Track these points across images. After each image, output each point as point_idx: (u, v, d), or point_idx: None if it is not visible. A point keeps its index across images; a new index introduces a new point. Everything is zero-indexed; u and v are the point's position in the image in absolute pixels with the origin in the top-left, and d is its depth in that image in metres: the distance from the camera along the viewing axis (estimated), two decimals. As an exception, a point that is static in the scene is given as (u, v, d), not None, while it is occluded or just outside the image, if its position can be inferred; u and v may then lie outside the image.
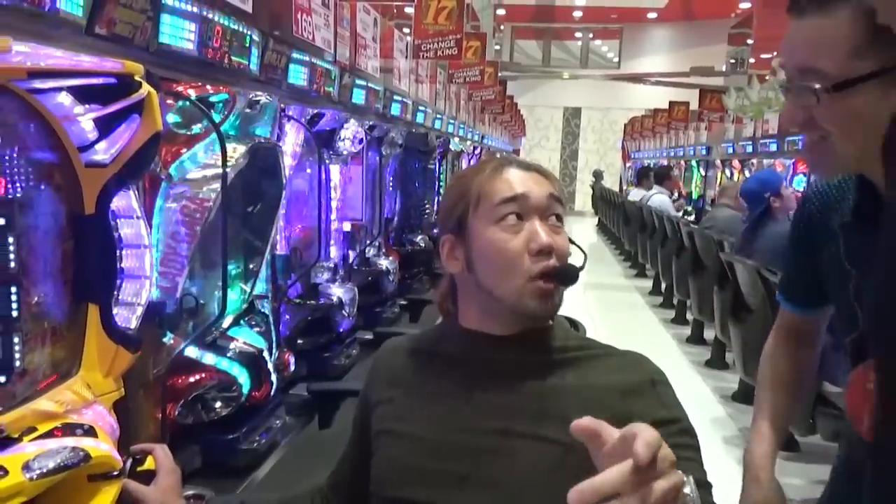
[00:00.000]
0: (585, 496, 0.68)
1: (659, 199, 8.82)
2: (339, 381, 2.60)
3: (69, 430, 1.19)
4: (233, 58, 1.88)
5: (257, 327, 2.03)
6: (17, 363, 1.22)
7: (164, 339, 1.70)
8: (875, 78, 1.00)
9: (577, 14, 20.36)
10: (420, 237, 4.33)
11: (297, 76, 2.38)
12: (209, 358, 1.79)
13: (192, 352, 1.76)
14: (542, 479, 1.03)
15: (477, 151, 7.40)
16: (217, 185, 1.69)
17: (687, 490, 0.75)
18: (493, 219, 1.10)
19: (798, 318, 1.49)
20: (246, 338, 1.93)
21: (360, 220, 3.42)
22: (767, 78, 8.70)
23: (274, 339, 2.11)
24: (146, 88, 1.26)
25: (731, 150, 9.04)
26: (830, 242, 1.24)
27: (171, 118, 1.65)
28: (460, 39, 5.38)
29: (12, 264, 1.20)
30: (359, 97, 3.17)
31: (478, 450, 1.07)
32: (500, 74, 10.60)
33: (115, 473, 1.20)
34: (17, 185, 1.20)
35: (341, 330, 2.78)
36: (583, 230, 15.73)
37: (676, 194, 10.48)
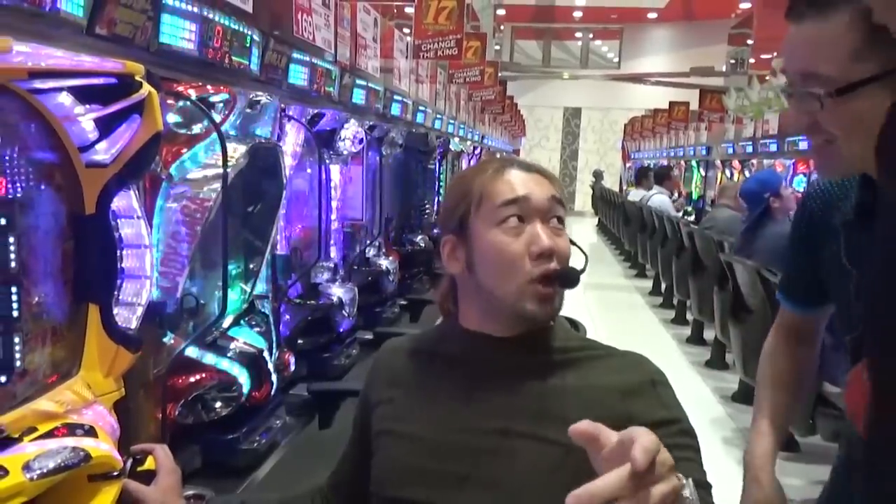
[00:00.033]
0: (583, 501, 0.68)
1: (659, 199, 8.82)
2: (339, 382, 2.60)
3: (69, 430, 1.19)
4: (233, 58, 1.88)
5: (257, 327, 2.03)
6: (18, 363, 1.22)
7: (165, 339, 1.70)
8: (877, 80, 1.00)
9: (577, 14, 20.37)
10: (420, 237, 4.34)
11: (298, 76, 2.38)
12: (209, 358, 1.80)
13: (192, 352, 1.76)
14: (542, 479, 1.03)
15: (477, 151, 7.41)
16: (217, 185, 1.69)
17: (686, 493, 0.75)
18: (494, 221, 1.10)
19: (798, 316, 1.49)
20: (246, 338, 1.93)
21: (360, 220, 3.42)
22: (767, 78, 8.70)
23: (274, 339, 2.11)
24: (147, 88, 1.27)
25: (731, 151, 9.05)
26: (831, 241, 1.24)
27: (172, 118, 1.65)
28: (460, 39, 5.38)
29: (13, 264, 1.20)
30: (359, 97, 3.17)
31: (478, 450, 1.07)
32: (500, 74, 10.60)
33: (116, 473, 1.20)
34: (18, 185, 1.20)
35: (341, 330, 2.79)
36: (583, 230, 15.73)
37: (676, 194, 10.49)
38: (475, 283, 1.13)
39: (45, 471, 1.08)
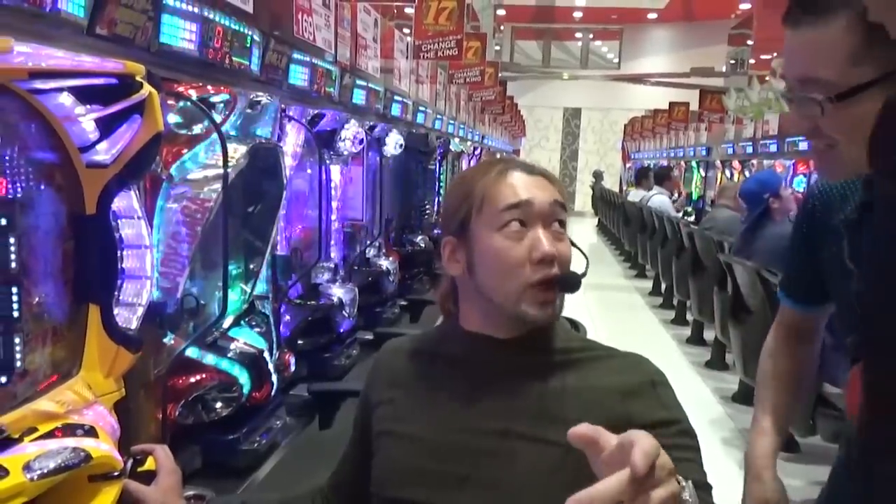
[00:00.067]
0: None
1: (659, 199, 8.82)
2: (340, 382, 2.60)
3: (70, 430, 1.19)
4: (233, 58, 1.88)
5: (258, 328, 2.03)
6: (18, 363, 1.22)
7: (165, 340, 1.70)
8: (876, 84, 1.00)
9: (578, 15, 20.37)
10: (420, 237, 4.34)
11: (298, 76, 2.38)
12: (210, 358, 1.80)
13: (192, 352, 1.76)
14: (542, 480, 1.03)
15: (477, 152, 7.40)
16: (218, 186, 1.69)
17: (685, 495, 0.75)
18: (496, 225, 1.10)
19: (798, 315, 1.49)
20: (246, 338, 1.93)
21: (360, 221, 3.42)
22: (767, 79, 8.71)
23: (274, 339, 2.11)
24: (147, 89, 1.26)
25: (731, 151, 9.05)
26: (833, 241, 1.24)
27: (172, 118, 1.65)
28: (460, 40, 5.39)
29: (13, 264, 1.20)
30: (359, 98, 3.17)
31: (478, 451, 1.07)
32: (500, 75, 10.61)
33: (116, 474, 1.20)
34: (18, 185, 1.20)
35: (342, 330, 2.78)
36: (583, 231, 15.73)
37: (676, 194, 10.49)
38: (475, 286, 1.12)
39: (45, 471, 1.08)
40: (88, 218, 1.30)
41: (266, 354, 1.95)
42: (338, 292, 2.74)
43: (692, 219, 9.11)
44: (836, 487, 1.32)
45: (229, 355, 1.84)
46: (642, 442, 0.70)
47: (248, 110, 1.94)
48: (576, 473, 0.76)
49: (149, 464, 1.29)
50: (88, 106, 1.23)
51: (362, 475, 1.18)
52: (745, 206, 4.56)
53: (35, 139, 1.23)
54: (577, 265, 1.13)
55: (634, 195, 10.19)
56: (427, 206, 4.71)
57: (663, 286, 7.98)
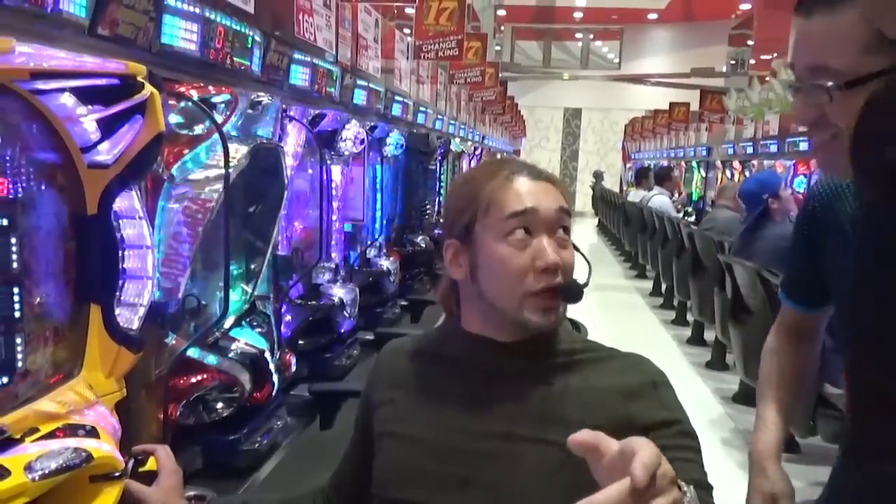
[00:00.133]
0: None
1: (659, 199, 8.82)
2: (341, 382, 2.61)
3: (71, 430, 1.19)
4: (235, 58, 1.88)
5: (259, 328, 2.03)
6: (20, 364, 1.22)
7: (166, 340, 1.70)
8: (887, 74, 1.00)
9: (578, 15, 20.37)
10: (421, 238, 4.33)
11: (299, 77, 2.38)
12: (211, 359, 1.80)
13: (193, 352, 1.76)
14: (543, 482, 1.03)
15: (477, 152, 7.40)
16: (219, 186, 1.69)
17: (687, 502, 0.75)
18: (501, 232, 1.09)
19: (799, 315, 1.49)
20: (247, 338, 1.93)
21: (360, 221, 3.42)
22: (768, 79, 8.70)
23: (275, 339, 2.11)
24: (149, 89, 1.27)
25: (731, 151, 9.04)
26: (833, 242, 1.24)
27: (174, 119, 1.65)
28: (461, 40, 5.40)
29: (15, 265, 1.20)
30: (360, 98, 3.17)
31: (479, 453, 1.07)
32: (500, 75, 10.60)
33: (117, 474, 1.20)
34: (20, 185, 1.20)
35: (342, 330, 2.79)
36: (583, 231, 15.73)
37: (677, 194, 10.48)
38: (478, 291, 1.12)
39: (46, 471, 1.09)
40: (90, 218, 1.31)
41: (267, 355, 1.95)
42: (339, 292, 2.74)
43: (692, 219, 9.11)
44: (836, 487, 1.32)
45: (230, 355, 1.84)
46: (643, 452, 0.69)
47: (250, 110, 1.94)
48: (577, 475, 0.76)
49: (150, 464, 1.29)
50: (90, 106, 1.23)
51: (363, 475, 1.18)
52: (745, 207, 4.56)
53: (37, 139, 1.23)
54: (579, 267, 1.13)
55: (635, 195, 10.19)
56: (428, 207, 4.71)
57: (664, 286, 7.98)
